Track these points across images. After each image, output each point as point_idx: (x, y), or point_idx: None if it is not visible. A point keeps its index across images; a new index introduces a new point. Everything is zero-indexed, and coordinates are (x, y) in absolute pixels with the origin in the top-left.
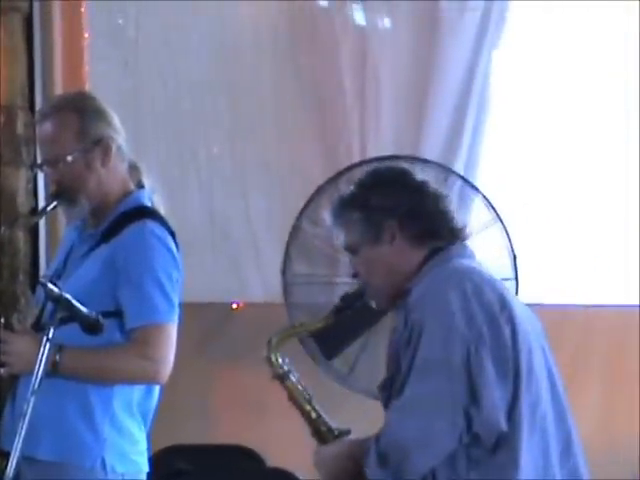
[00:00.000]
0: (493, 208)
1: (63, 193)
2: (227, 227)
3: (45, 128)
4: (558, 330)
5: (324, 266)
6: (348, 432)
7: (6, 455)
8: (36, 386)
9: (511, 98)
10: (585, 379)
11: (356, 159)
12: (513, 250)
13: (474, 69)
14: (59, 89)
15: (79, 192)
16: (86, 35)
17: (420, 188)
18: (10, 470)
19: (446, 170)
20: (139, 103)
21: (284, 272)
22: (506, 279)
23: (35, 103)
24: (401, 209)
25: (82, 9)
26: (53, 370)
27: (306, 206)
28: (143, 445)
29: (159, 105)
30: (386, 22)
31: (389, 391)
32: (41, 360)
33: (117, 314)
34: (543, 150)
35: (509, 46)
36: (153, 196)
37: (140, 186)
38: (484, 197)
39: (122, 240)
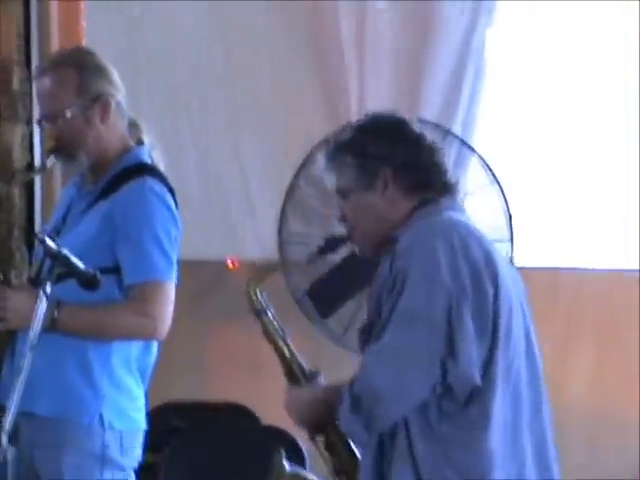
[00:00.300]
0: (490, 169)
1: (62, 149)
2: (222, 183)
3: (44, 83)
4: (552, 293)
5: (320, 225)
6: (318, 373)
7: (5, 410)
8: (34, 342)
9: (509, 63)
10: (578, 342)
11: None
12: (509, 211)
13: (472, 33)
14: (55, 44)
15: (78, 148)
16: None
17: (417, 140)
18: (8, 425)
19: (444, 131)
20: (134, 56)
21: (280, 231)
22: (501, 240)
23: (31, 58)
24: (397, 159)
25: None
26: (51, 326)
27: (303, 165)
28: (141, 402)
29: (154, 57)
30: None
31: (367, 335)
32: (39, 315)
33: (115, 270)
34: (540, 113)
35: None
36: (153, 153)
37: (140, 143)
38: (481, 158)
39: (121, 196)
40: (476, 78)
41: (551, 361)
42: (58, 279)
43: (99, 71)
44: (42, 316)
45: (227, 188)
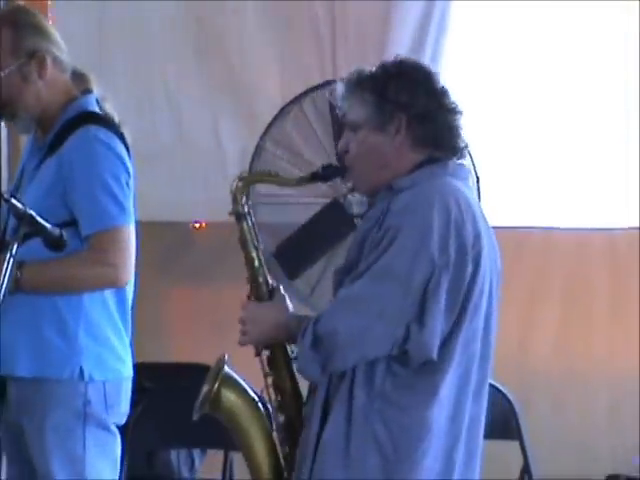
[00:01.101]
0: None
1: (2, 108)
2: (196, 146)
3: None
4: (519, 252)
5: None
6: (282, 295)
7: None
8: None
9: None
10: (544, 302)
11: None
12: (476, 172)
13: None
14: None
15: (18, 106)
16: None
17: (440, 95)
18: None
19: None
20: (107, 21)
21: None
22: None
23: None
24: (415, 109)
25: None
26: (15, 287)
27: (269, 126)
28: (122, 350)
29: (127, 22)
30: None
31: (343, 276)
32: (4, 277)
33: (73, 223)
34: (512, 70)
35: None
36: (105, 104)
37: (87, 92)
38: None
39: (67, 148)
40: (438, 36)
41: (518, 321)
42: (23, 240)
43: (34, 28)
44: (9, 277)
45: (201, 151)
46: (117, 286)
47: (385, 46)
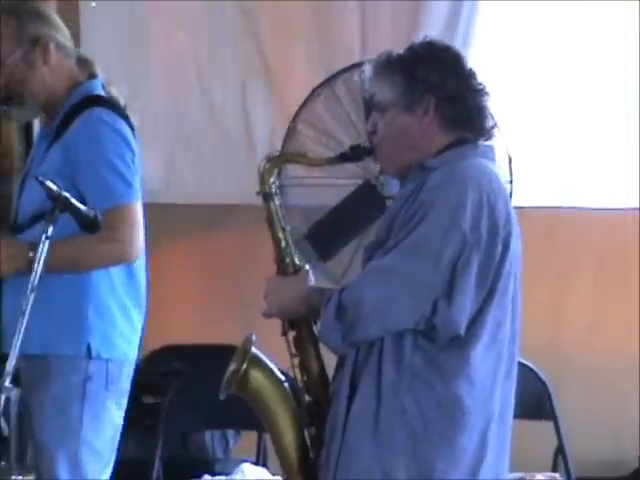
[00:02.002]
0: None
1: (9, 95)
2: (226, 129)
3: None
4: (551, 233)
5: (319, 168)
6: (306, 271)
7: (3, 357)
8: (35, 283)
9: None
10: (577, 282)
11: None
12: (509, 154)
13: None
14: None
15: (25, 93)
16: None
17: (468, 77)
18: (10, 367)
19: None
20: (140, 4)
21: (279, 174)
22: None
23: None
24: (444, 91)
25: None
26: (28, 267)
27: (301, 108)
28: (129, 331)
29: (160, 6)
30: None
31: (371, 253)
32: (39, 259)
33: (84, 205)
34: (540, 57)
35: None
36: (110, 89)
37: (92, 77)
38: None
39: (73, 131)
40: (470, 15)
41: (550, 303)
42: (34, 223)
43: (36, 15)
44: (42, 259)
45: (231, 133)
46: (126, 262)
47: (415, 30)
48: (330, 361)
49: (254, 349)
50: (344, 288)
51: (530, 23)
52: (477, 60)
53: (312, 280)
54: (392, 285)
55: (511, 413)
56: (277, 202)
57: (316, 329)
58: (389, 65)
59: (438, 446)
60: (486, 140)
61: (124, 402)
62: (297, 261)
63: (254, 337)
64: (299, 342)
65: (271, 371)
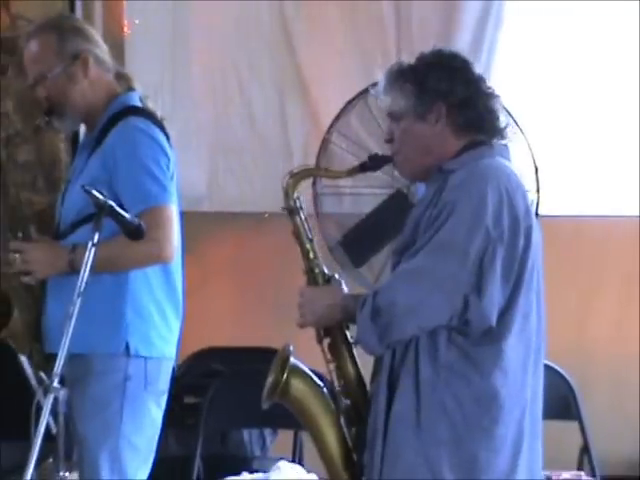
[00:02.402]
0: (515, 121)
1: (52, 108)
2: (265, 137)
3: (28, 50)
4: (577, 239)
5: (352, 178)
6: (338, 280)
7: (48, 357)
8: (82, 288)
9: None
10: (602, 286)
11: None
12: (535, 163)
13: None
14: (97, 16)
15: (66, 105)
16: None
17: (477, 82)
18: (58, 368)
19: None
20: (183, 17)
21: (314, 183)
22: (528, 192)
23: None
24: (454, 97)
25: None
26: (70, 268)
27: (336, 120)
28: (165, 331)
29: (203, 20)
30: None
31: (400, 257)
32: (87, 263)
33: (122, 209)
34: (560, 68)
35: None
36: (147, 102)
37: (130, 90)
38: (506, 111)
39: (110, 139)
40: (494, 30)
41: (577, 305)
42: (77, 227)
43: (76, 31)
44: (90, 263)
45: (270, 143)
46: (162, 261)
47: (447, 44)
48: (365, 363)
49: (292, 359)
50: (377, 291)
51: (554, 33)
52: (502, 68)
53: (345, 288)
54: (423, 285)
55: (541, 402)
56: (302, 215)
57: (349, 334)
58: (401, 75)
59: (479, 437)
60: (499, 140)
61: (163, 401)
62: (326, 270)
63: (291, 347)
64: (334, 348)
65: (310, 378)
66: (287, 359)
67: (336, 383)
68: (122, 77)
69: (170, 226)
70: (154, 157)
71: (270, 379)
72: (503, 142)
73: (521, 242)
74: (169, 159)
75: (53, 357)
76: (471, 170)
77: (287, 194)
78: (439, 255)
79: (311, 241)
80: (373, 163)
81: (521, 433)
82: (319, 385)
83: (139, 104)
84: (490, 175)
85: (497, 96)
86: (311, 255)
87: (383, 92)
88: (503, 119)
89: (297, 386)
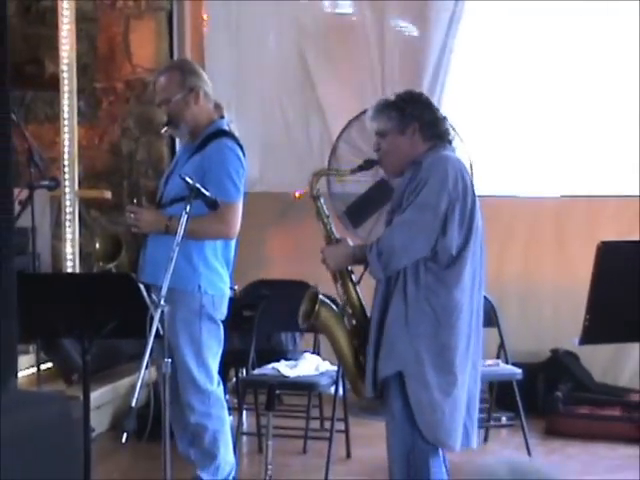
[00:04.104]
0: (457, 134)
1: (171, 122)
2: (295, 143)
3: (160, 81)
4: (498, 212)
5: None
6: (345, 240)
7: (146, 285)
8: (179, 240)
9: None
10: (513, 245)
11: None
12: (470, 160)
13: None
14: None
15: (181, 121)
16: (205, 28)
17: (437, 111)
18: (161, 298)
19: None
20: (245, 62)
21: (328, 179)
22: None
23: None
24: (423, 119)
25: (203, 9)
26: (165, 231)
27: (341, 132)
28: (225, 277)
29: (256, 62)
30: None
31: (391, 215)
32: (182, 225)
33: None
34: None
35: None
36: (230, 124)
37: (221, 117)
38: (452, 127)
39: (208, 151)
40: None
41: (495, 256)
42: (173, 202)
43: (193, 72)
44: (183, 226)
45: (298, 144)
46: (228, 238)
47: (419, 73)
48: (366, 295)
49: (321, 296)
50: (379, 239)
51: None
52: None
53: (351, 243)
54: (410, 232)
55: (482, 312)
56: (321, 200)
57: (354, 278)
58: (387, 106)
59: (446, 331)
60: (450, 141)
61: (221, 322)
62: (337, 235)
63: (318, 287)
64: (344, 285)
65: (330, 307)
66: (316, 295)
67: (347, 308)
68: (218, 107)
69: (237, 216)
70: (236, 169)
71: (303, 308)
72: (451, 143)
73: (469, 201)
74: (244, 168)
75: (145, 285)
76: (437, 158)
77: (311, 187)
78: (420, 211)
79: (327, 217)
80: (367, 165)
81: (470, 328)
82: (336, 310)
83: (227, 128)
84: (448, 160)
85: (446, 118)
86: (327, 227)
87: (372, 118)
88: (452, 133)
89: (324, 314)
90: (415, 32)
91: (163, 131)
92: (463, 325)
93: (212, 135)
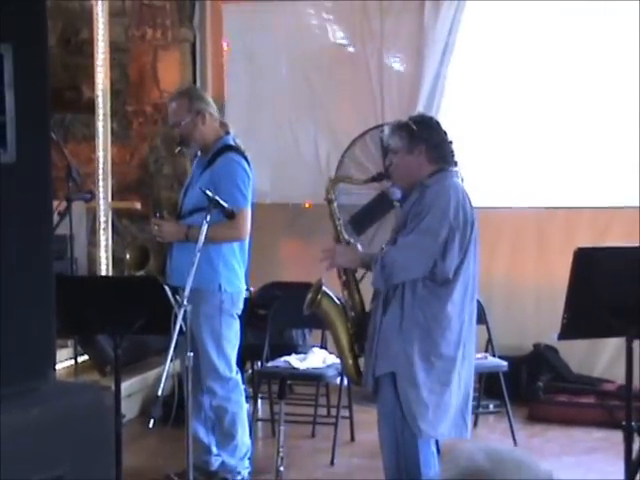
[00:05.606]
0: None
1: (182, 141)
2: (304, 158)
3: (171, 106)
4: (488, 222)
5: (357, 186)
6: (354, 243)
7: (172, 288)
8: (200, 247)
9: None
10: (499, 250)
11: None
12: (462, 177)
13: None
14: (209, 86)
15: (191, 140)
16: (224, 58)
17: (444, 134)
18: (187, 292)
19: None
20: (256, 89)
21: (335, 189)
22: None
23: None
24: (430, 141)
25: (223, 41)
26: (186, 239)
27: (346, 150)
28: (241, 276)
29: (268, 88)
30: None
31: (395, 235)
32: (203, 233)
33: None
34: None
35: None
36: (236, 139)
37: (227, 133)
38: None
39: (217, 165)
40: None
41: (484, 261)
42: (193, 212)
43: (200, 98)
44: (204, 234)
45: (308, 160)
46: (239, 240)
47: (414, 100)
48: (366, 292)
49: (324, 287)
50: (385, 254)
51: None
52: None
53: (360, 248)
54: (412, 253)
55: (475, 319)
56: (335, 204)
57: (357, 276)
58: (400, 127)
59: (436, 337)
60: (454, 166)
61: (237, 317)
62: (347, 237)
63: (323, 280)
64: (347, 282)
65: (332, 298)
66: (321, 286)
67: (347, 302)
68: (223, 124)
69: (246, 220)
70: (243, 180)
71: (309, 297)
72: (455, 168)
73: (468, 229)
74: (250, 179)
75: (172, 288)
76: (441, 186)
77: (328, 191)
78: (422, 235)
79: (339, 219)
80: (379, 177)
81: (460, 335)
82: (338, 303)
83: (233, 143)
84: (451, 189)
85: (451, 141)
86: (339, 228)
87: (387, 136)
88: (455, 155)
89: (326, 302)
90: (411, 63)
91: (177, 150)
92: (452, 334)
93: (220, 150)
